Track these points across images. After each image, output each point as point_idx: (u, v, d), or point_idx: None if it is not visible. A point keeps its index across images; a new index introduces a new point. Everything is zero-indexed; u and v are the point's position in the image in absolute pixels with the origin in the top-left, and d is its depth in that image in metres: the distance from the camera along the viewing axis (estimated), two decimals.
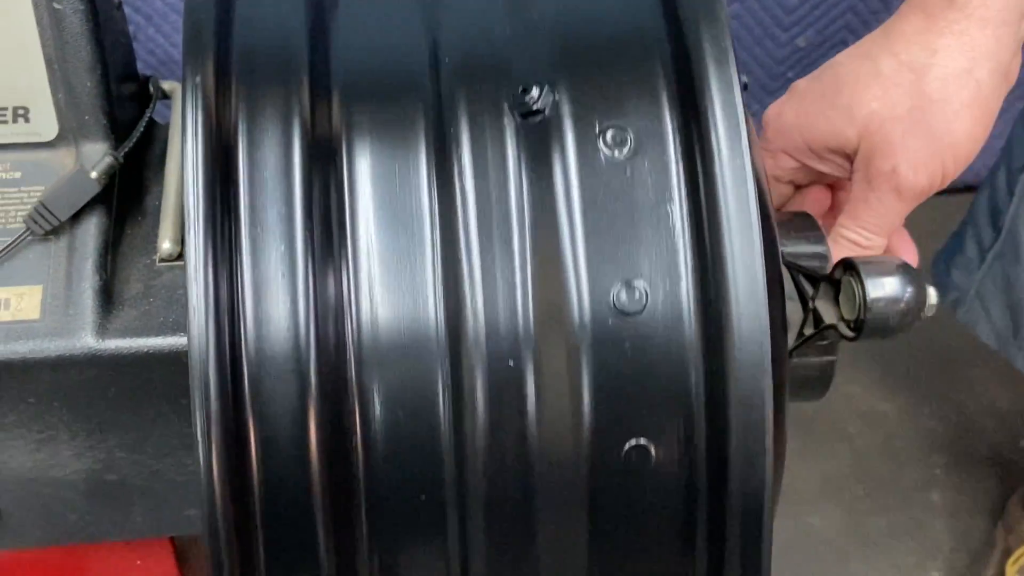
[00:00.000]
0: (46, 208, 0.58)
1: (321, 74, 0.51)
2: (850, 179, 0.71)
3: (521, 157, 0.50)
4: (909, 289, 0.54)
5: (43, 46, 0.59)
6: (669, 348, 0.48)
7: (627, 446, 0.49)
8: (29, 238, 0.59)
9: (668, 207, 0.49)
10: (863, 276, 0.54)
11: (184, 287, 0.57)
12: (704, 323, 0.48)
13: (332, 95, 0.51)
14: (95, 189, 0.59)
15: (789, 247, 0.60)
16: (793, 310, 0.58)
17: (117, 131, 0.61)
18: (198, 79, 0.50)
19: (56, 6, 0.58)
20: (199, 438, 0.47)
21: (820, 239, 0.61)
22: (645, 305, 0.49)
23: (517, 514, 0.50)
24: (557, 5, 0.53)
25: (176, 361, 0.58)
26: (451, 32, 0.53)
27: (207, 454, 0.47)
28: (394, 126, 0.50)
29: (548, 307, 0.49)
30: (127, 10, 1.31)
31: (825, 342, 0.59)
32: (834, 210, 0.77)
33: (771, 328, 0.48)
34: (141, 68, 1.08)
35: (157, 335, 0.58)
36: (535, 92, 0.50)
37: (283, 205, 0.49)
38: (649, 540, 0.52)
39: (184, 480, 0.62)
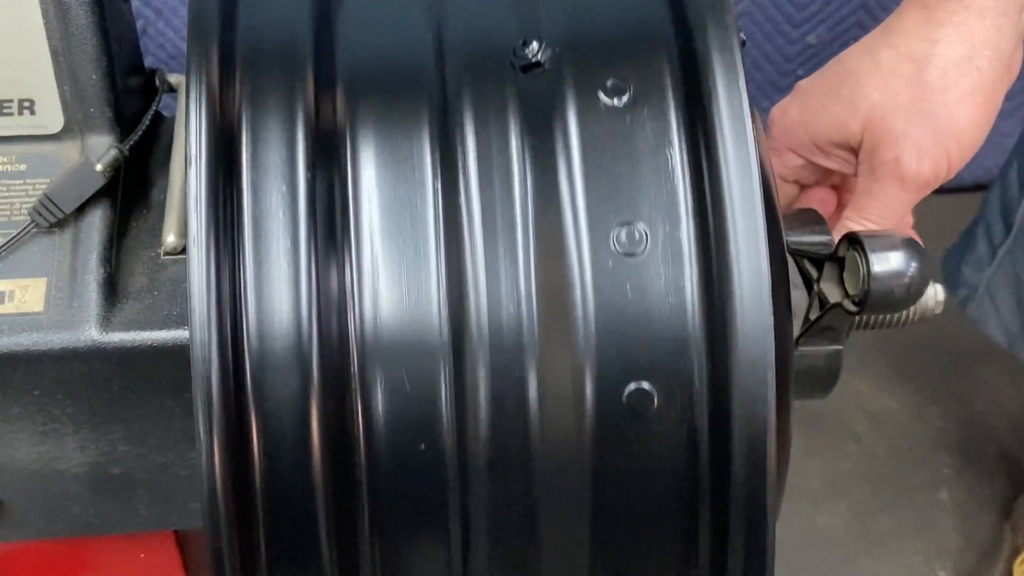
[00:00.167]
0: (51, 200, 0.58)
1: (325, 66, 0.51)
2: (855, 173, 0.71)
3: (526, 150, 0.50)
4: (914, 264, 0.54)
5: (49, 38, 0.58)
6: (669, 290, 0.48)
7: (628, 389, 0.48)
8: (34, 230, 0.59)
9: (668, 151, 0.50)
10: (867, 250, 0.54)
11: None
12: (704, 264, 0.48)
13: (336, 87, 0.51)
14: (100, 182, 0.59)
15: (794, 237, 0.60)
16: (798, 298, 0.58)
17: (123, 124, 0.61)
18: (202, 71, 0.50)
19: None
20: (200, 432, 0.47)
21: (824, 231, 0.61)
22: (646, 247, 0.49)
23: (520, 505, 0.50)
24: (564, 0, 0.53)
25: (180, 354, 0.58)
26: (456, 25, 0.53)
27: (208, 448, 0.47)
28: (398, 119, 0.50)
29: (552, 304, 0.49)
30: (136, 4, 1.31)
31: (831, 330, 0.59)
32: (840, 210, 0.77)
33: (773, 295, 0.48)
34: (151, 62, 1.08)
35: (161, 328, 0.58)
36: (535, 45, 0.50)
37: (286, 198, 0.49)
38: (651, 520, 0.51)
39: (187, 473, 0.62)
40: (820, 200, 0.76)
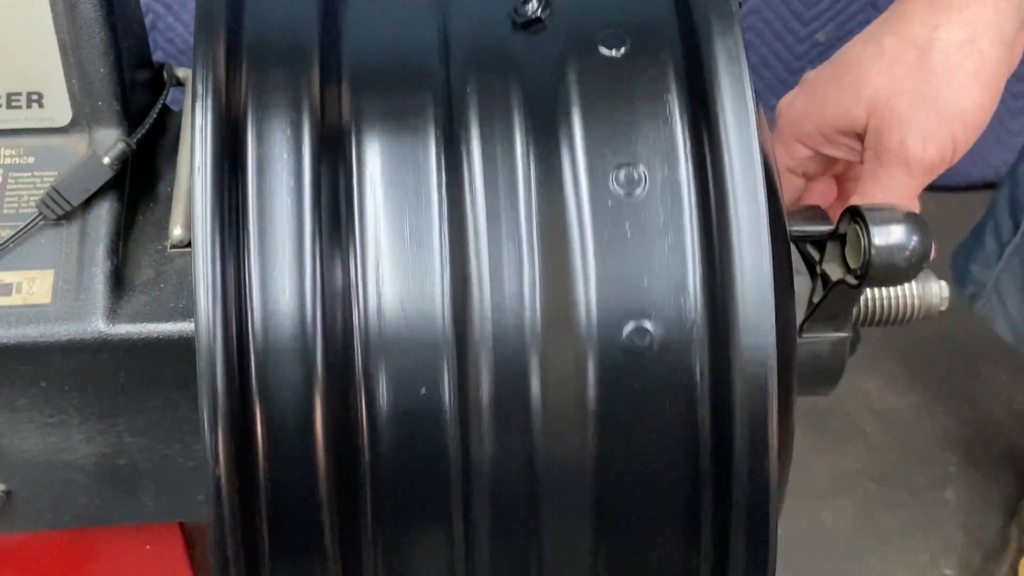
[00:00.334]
0: (58, 193, 0.59)
1: (331, 60, 0.52)
2: (861, 161, 0.71)
3: (531, 148, 0.50)
4: (915, 236, 0.54)
5: (57, 32, 0.59)
6: (667, 231, 0.49)
7: (627, 328, 0.49)
8: (41, 223, 0.59)
9: (666, 97, 0.50)
10: (868, 221, 0.54)
11: None
12: (703, 205, 0.49)
13: (342, 81, 0.51)
14: (107, 175, 0.59)
15: (796, 227, 0.60)
16: (802, 284, 0.58)
17: (130, 117, 0.62)
18: (208, 65, 0.50)
19: None
20: (205, 424, 0.47)
21: (827, 221, 0.61)
22: (645, 187, 0.49)
23: (521, 501, 0.50)
24: None
25: (186, 347, 0.58)
26: (461, 20, 0.53)
27: (213, 440, 0.48)
28: (403, 113, 0.51)
29: (556, 296, 0.49)
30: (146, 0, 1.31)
31: (836, 317, 0.59)
32: (842, 199, 0.77)
33: (775, 264, 0.48)
34: (160, 57, 1.08)
35: (167, 321, 0.58)
36: (534, 2, 0.50)
37: (291, 191, 0.49)
38: (653, 505, 0.51)
39: (193, 465, 0.62)
40: (820, 193, 0.77)
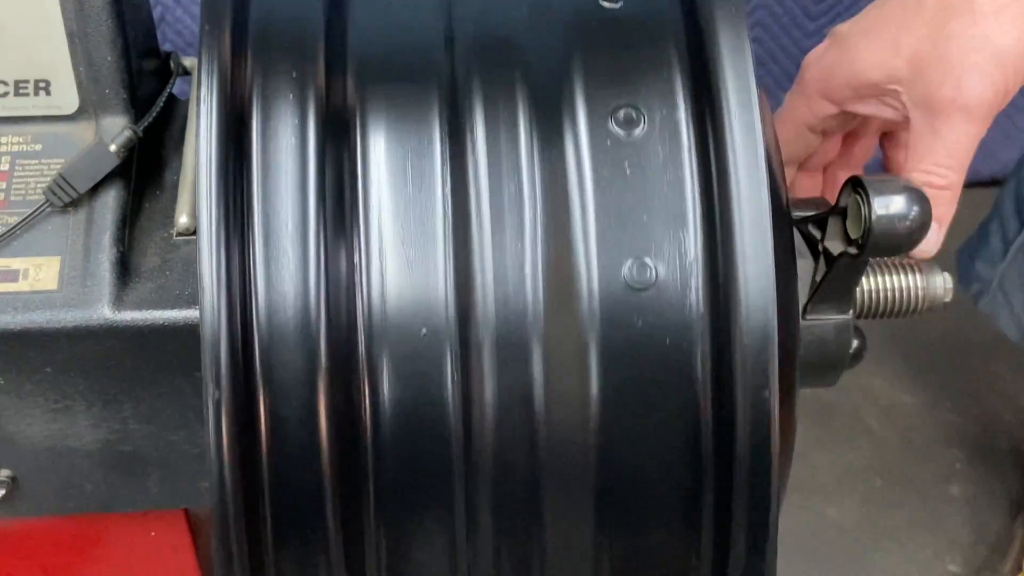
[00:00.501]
0: (65, 180, 0.59)
1: (337, 49, 0.52)
2: (893, 131, 0.68)
3: (533, 134, 0.50)
4: (916, 207, 0.54)
5: (65, 20, 0.59)
6: (667, 166, 0.50)
7: (626, 266, 0.49)
8: (48, 209, 0.59)
9: (665, 44, 0.51)
10: (869, 190, 0.54)
11: None
12: (701, 145, 0.50)
13: (347, 70, 0.51)
14: (114, 162, 0.60)
15: (798, 213, 0.61)
16: (805, 267, 0.59)
17: (137, 105, 0.62)
18: (214, 53, 0.50)
19: None
20: (209, 411, 0.48)
21: (828, 205, 0.61)
22: (644, 128, 0.50)
23: (524, 487, 0.50)
24: None
25: (191, 334, 0.58)
26: (467, 10, 0.53)
27: (216, 427, 0.48)
28: (408, 102, 0.51)
29: (558, 285, 0.49)
30: None
31: (839, 297, 0.59)
32: (844, 157, 0.75)
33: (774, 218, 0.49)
34: (169, 48, 1.08)
35: (173, 308, 0.58)
36: None
37: (296, 180, 0.49)
38: (653, 502, 0.52)
39: (198, 452, 0.63)
40: (823, 152, 0.75)
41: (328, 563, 0.52)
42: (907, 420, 1.48)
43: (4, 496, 0.62)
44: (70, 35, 0.59)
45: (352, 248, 0.49)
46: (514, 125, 0.50)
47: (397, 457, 0.50)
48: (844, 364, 0.62)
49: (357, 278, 0.49)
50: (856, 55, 0.67)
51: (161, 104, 0.62)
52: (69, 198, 0.59)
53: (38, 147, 0.61)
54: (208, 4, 0.52)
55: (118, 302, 0.58)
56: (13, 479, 0.62)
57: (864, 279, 0.63)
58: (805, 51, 1.66)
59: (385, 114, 0.51)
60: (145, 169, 0.63)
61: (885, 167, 0.76)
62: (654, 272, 0.49)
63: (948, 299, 0.65)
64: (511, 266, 0.49)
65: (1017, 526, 1.34)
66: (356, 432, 0.50)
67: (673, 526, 0.52)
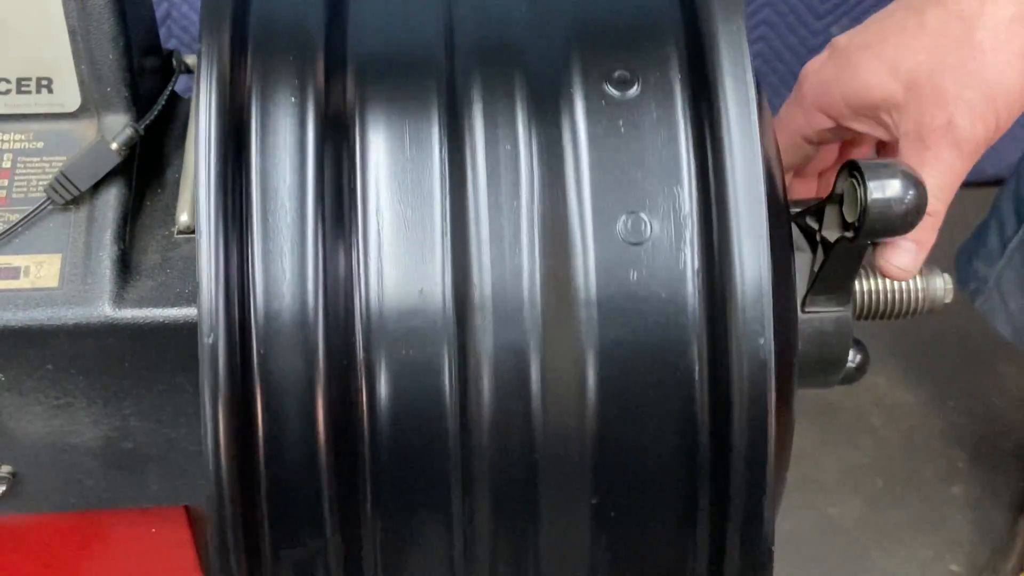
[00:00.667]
0: (66, 178, 0.59)
1: (337, 49, 0.52)
2: (887, 144, 0.68)
3: (533, 135, 0.50)
4: (911, 191, 0.55)
5: (67, 18, 0.59)
6: (660, 129, 0.50)
7: (622, 218, 0.49)
8: (49, 207, 0.59)
9: (661, 18, 0.52)
10: (865, 175, 0.54)
11: None
12: (694, 105, 0.50)
13: (347, 70, 0.52)
14: (115, 160, 0.60)
15: (796, 209, 0.61)
16: (803, 261, 0.59)
17: (139, 103, 0.62)
18: (213, 52, 0.50)
19: None
20: (206, 409, 0.48)
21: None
22: (638, 89, 0.50)
23: (521, 487, 0.51)
24: None
25: (191, 332, 0.58)
26: (467, 11, 0.53)
27: (214, 427, 0.48)
28: (407, 102, 0.51)
29: (556, 286, 0.49)
30: None
31: (838, 289, 0.59)
32: (840, 164, 0.75)
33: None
34: (174, 45, 1.08)
35: (173, 306, 0.58)
36: None
37: (295, 179, 0.49)
38: (654, 504, 0.52)
39: (198, 449, 0.62)
40: (822, 158, 0.75)
41: (326, 563, 0.52)
42: (910, 419, 1.48)
43: (5, 492, 0.62)
44: (72, 33, 0.60)
45: (350, 248, 0.49)
46: (512, 125, 0.50)
47: (394, 457, 0.50)
48: (844, 361, 0.62)
49: (355, 278, 0.49)
50: (854, 72, 0.67)
51: (163, 102, 0.62)
52: (70, 196, 0.59)
53: (40, 145, 0.61)
54: (208, 3, 0.52)
55: (119, 300, 0.58)
56: (14, 475, 0.63)
57: (864, 280, 0.63)
58: (811, 49, 1.66)
59: (384, 114, 0.51)
60: (146, 167, 0.63)
61: None
62: (649, 227, 0.49)
63: (948, 300, 0.65)
64: (509, 268, 0.49)
65: (1019, 526, 1.34)
66: (353, 433, 0.50)
67: (669, 526, 0.52)
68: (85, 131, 0.61)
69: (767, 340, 0.48)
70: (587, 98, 0.50)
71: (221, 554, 0.50)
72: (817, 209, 0.59)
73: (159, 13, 1.37)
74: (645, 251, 0.49)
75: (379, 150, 0.50)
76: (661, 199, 0.49)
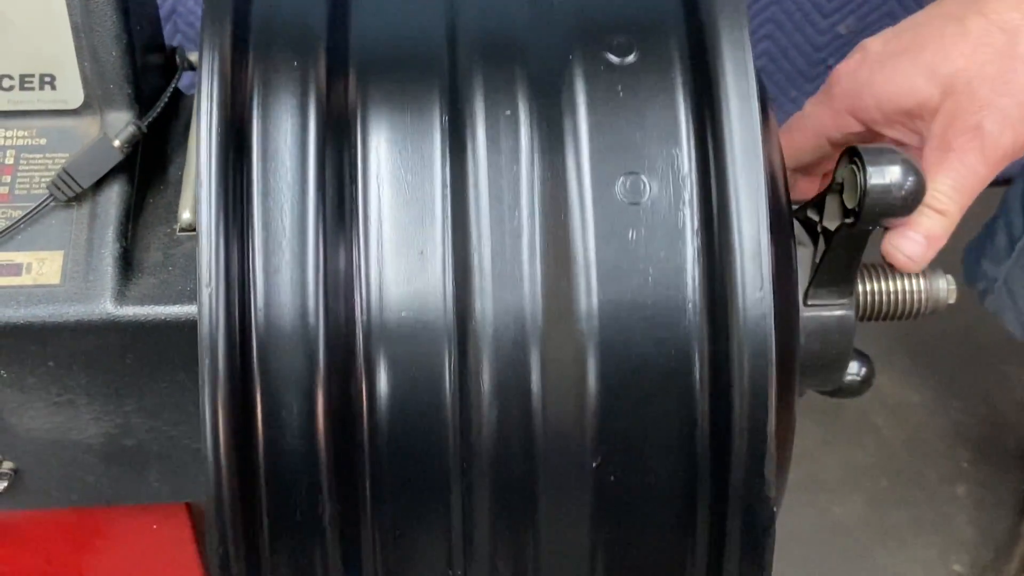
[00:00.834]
0: (69, 175, 0.59)
1: (339, 48, 0.52)
2: (919, 147, 0.69)
3: (535, 136, 0.50)
4: (911, 177, 0.55)
5: (70, 14, 0.59)
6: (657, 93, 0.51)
7: (621, 179, 0.50)
8: (52, 204, 0.59)
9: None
10: (864, 159, 0.55)
11: None
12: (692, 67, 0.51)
13: (349, 69, 0.52)
14: (117, 157, 0.60)
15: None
16: (805, 255, 0.60)
17: (142, 101, 0.62)
18: (215, 51, 0.50)
19: None
20: (206, 406, 0.48)
21: None
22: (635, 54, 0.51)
23: (521, 489, 0.51)
24: None
25: (193, 329, 0.58)
26: (469, 11, 0.53)
27: (213, 423, 0.48)
28: (409, 102, 0.51)
29: (558, 292, 0.49)
30: None
31: (840, 282, 0.60)
32: None
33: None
34: (180, 40, 1.08)
35: (175, 303, 0.58)
36: None
37: (295, 178, 0.49)
38: (652, 523, 0.52)
39: (199, 447, 0.63)
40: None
41: (325, 562, 0.52)
42: (914, 419, 1.48)
43: (7, 488, 0.62)
44: (75, 30, 0.60)
45: (351, 247, 0.49)
46: (515, 129, 0.50)
47: (394, 456, 0.50)
48: (847, 359, 0.62)
49: (356, 277, 0.49)
50: (889, 78, 0.67)
51: (166, 99, 0.62)
52: (73, 193, 0.59)
53: (43, 141, 0.61)
54: (210, 2, 0.52)
55: (120, 297, 0.58)
56: (16, 471, 0.63)
57: (867, 281, 0.63)
58: (817, 48, 1.65)
59: (386, 113, 0.51)
60: (149, 164, 0.63)
61: None
62: (647, 187, 0.49)
63: (951, 300, 0.65)
64: (511, 268, 0.49)
65: (1023, 527, 1.34)
66: (353, 431, 0.50)
67: (669, 525, 0.52)
68: (88, 128, 0.62)
69: (765, 295, 0.48)
70: (587, 74, 0.50)
71: (220, 551, 0.50)
72: (818, 201, 0.59)
73: (164, 8, 1.37)
74: (644, 211, 0.49)
75: (380, 149, 0.50)
76: (660, 161, 0.49)
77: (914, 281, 0.63)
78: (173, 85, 0.64)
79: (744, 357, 0.49)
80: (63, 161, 0.60)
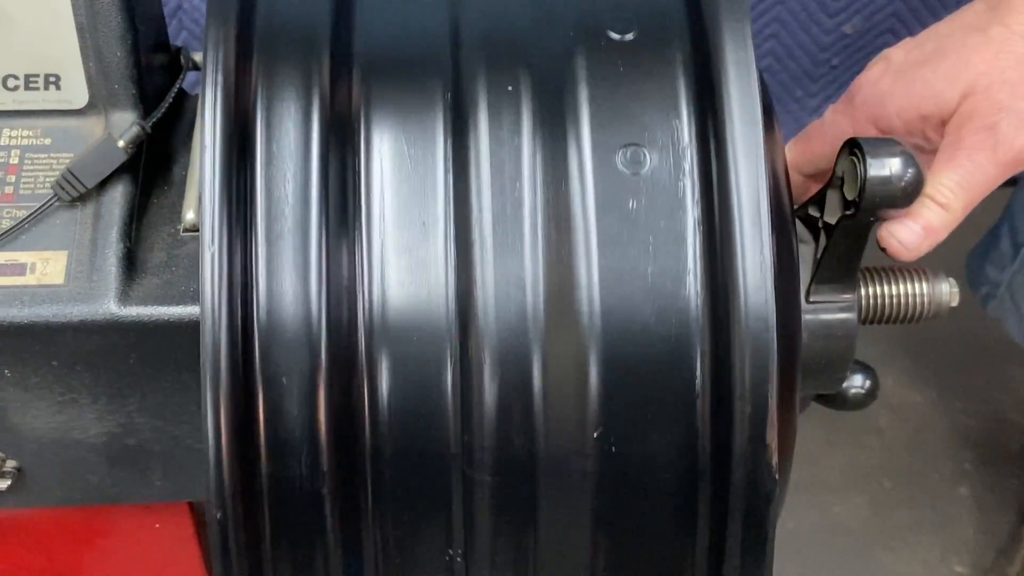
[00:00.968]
0: (73, 175, 0.59)
1: (342, 50, 0.52)
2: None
3: (537, 140, 0.50)
4: (911, 169, 0.56)
5: (75, 15, 0.59)
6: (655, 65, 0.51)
7: (621, 151, 0.50)
8: (56, 204, 0.60)
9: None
10: (864, 149, 0.55)
11: None
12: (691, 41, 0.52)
13: (352, 71, 0.52)
14: (122, 158, 0.60)
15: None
16: (807, 251, 0.60)
17: (146, 101, 0.62)
18: (219, 53, 0.50)
19: None
20: (207, 406, 0.48)
21: None
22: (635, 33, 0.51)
23: (521, 489, 0.51)
24: None
25: (196, 330, 0.58)
26: (473, 13, 0.53)
27: (215, 422, 0.48)
28: (412, 104, 0.51)
29: (558, 293, 0.49)
30: None
31: (842, 278, 0.60)
32: None
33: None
34: (186, 37, 1.08)
35: (178, 304, 0.58)
36: None
37: (299, 180, 0.49)
38: (653, 523, 0.52)
39: (202, 447, 0.63)
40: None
41: (326, 561, 0.52)
42: (917, 420, 1.48)
43: (10, 486, 0.63)
44: (80, 30, 0.60)
45: (354, 249, 0.50)
46: (518, 131, 0.50)
47: (396, 458, 0.50)
48: (849, 358, 0.62)
49: (358, 279, 0.49)
50: (910, 86, 0.67)
51: (170, 100, 0.63)
52: (77, 193, 0.59)
53: (47, 141, 0.62)
54: (214, 3, 0.52)
55: (124, 297, 0.58)
56: (19, 470, 0.63)
57: (869, 285, 0.63)
58: (823, 47, 1.65)
59: (389, 116, 0.51)
60: (153, 164, 0.63)
61: None
62: (647, 158, 0.49)
63: (954, 304, 0.65)
64: (512, 271, 0.49)
65: None
66: (355, 432, 0.50)
67: (669, 528, 0.52)
68: (92, 128, 0.62)
69: (764, 253, 0.49)
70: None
71: (222, 551, 0.50)
72: (818, 197, 0.60)
73: (169, 5, 1.37)
74: (644, 181, 0.49)
75: (384, 153, 0.50)
76: (659, 132, 0.50)
77: (917, 285, 0.63)
78: (177, 85, 0.64)
79: (746, 324, 0.49)
80: (67, 161, 0.60)
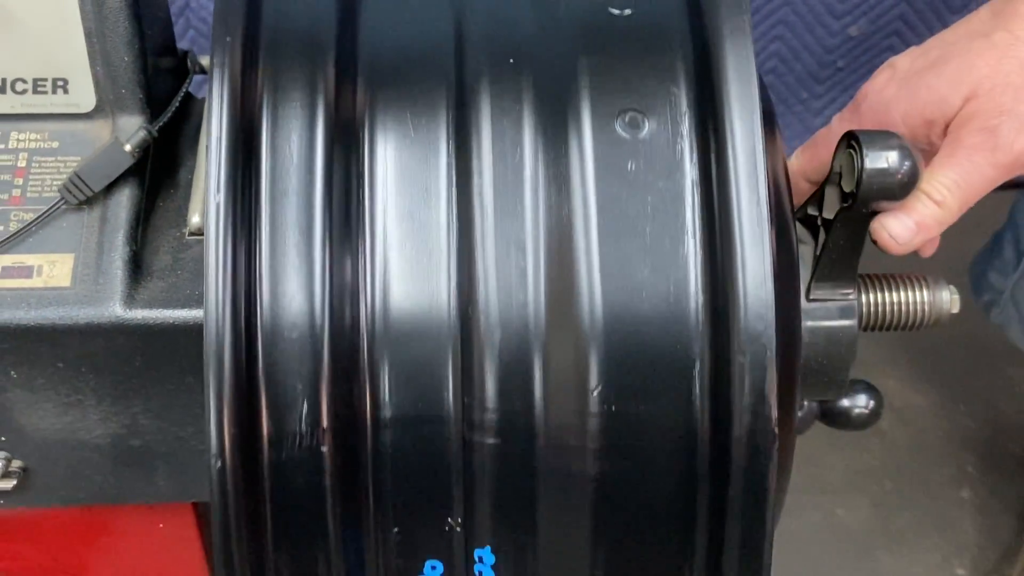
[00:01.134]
0: (80, 179, 0.60)
1: (347, 55, 0.52)
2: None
3: (540, 145, 0.51)
4: (907, 161, 0.56)
5: (83, 19, 0.60)
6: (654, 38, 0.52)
7: (618, 116, 0.51)
8: (63, 207, 0.60)
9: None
10: (863, 143, 0.56)
11: None
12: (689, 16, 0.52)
13: (357, 76, 0.52)
14: (129, 161, 0.60)
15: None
16: (807, 251, 0.60)
17: (153, 104, 0.62)
18: (225, 57, 0.51)
19: None
20: (211, 408, 0.48)
21: None
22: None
23: (522, 492, 0.51)
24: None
25: (200, 333, 0.58)
26: (477, 18, 0.53)
27: (218, 424, 0.49)
28: (416, 109, 0.51)
29: (560, 297, 0.50)
30: None
31: (842, 276, 0.60)
32: None
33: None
34: (193, 36, 1.08)
35: (183, 307, 0.59)
36: None
37: (303, 184, 0.50)
38: (652, 517, 0.52)
39: (205, 448, 0.63)
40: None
41: (328, 562, 0.52)
42: (919, 423, 1.48)
43: (16, 486, 0.63)
44: (88, 34, 0.60)
45: (357, 254, 0.50)
46: (520, 136, 0.51)
47: (397, 460, 0.51)
48: (850, 361, 0.62)
49: (361, 284, 0.50)
50: (916, 92, 0.68)
51: (176, 104, 0.63)
52: (84, 196, 0.60)
53: (55, 144, 0.62)
54: (220, 8, 0.52)
55: (130, 300, 0.59)
56: (25, 470, 0.63)
57: (870, 293, 0.63)
58: (828, 49, 1.65)
59: (393, 122, 0.51)
60: (160, 168, 0.63)
61: None
62: (646, 123, 0.50)
63: (955, 311, 0.65)
64: (514, 277, 0.49)
65: None
66: (357, 435, 0.50)
67: (668, 531, 0.52)
68: (100, 132, 0.62)
69: (762, 209, 0.49)
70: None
71: (224, 552, 0.51)
72: (817, 195, 0.60)
73: (176, 5, 1.38)
74: (642, 144, 0.50)
75: (387, 158, 0.51)
76: (657, 100, 0.51)
77: (917, 292, 0.64)
78: (184, 89, 0.64)
79: (745, 320, 0.49)
80: (75, 164, 0.61)
